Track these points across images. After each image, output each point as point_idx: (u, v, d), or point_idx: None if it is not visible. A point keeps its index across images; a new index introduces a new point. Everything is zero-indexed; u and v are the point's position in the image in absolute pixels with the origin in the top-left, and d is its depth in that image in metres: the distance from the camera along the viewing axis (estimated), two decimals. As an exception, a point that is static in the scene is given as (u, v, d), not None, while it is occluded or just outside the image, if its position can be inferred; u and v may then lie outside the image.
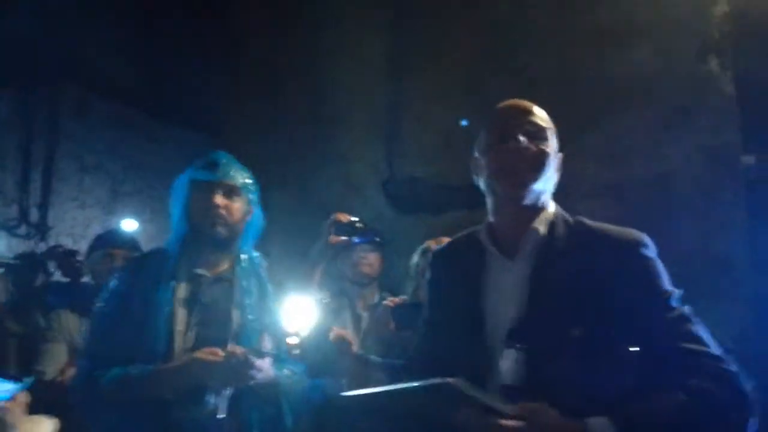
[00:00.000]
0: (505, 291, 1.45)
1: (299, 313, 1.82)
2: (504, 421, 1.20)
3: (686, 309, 1.37)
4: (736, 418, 1.27)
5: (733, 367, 1.32)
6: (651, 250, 1.42)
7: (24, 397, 1.22)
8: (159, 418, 1.72)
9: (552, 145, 1.50)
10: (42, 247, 5.13)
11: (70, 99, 5.56)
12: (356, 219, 2.44)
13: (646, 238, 1.43)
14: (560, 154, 1.54)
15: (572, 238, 1.45)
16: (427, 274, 1.68)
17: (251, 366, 1.71)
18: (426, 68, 4.10)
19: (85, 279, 3.69)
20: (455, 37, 4.02)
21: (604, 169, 3.59)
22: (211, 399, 1.72)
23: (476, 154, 1.56)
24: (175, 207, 1.93)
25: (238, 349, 1.73)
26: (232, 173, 1.91)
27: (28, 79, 4.99)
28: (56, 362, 2.90)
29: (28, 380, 1.31)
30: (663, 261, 1.43)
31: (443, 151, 3.90)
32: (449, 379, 1.16)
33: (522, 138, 1.44)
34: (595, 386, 1.28)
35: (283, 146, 4.45)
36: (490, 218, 1.55)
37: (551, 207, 1.52)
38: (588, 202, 3.48)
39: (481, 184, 1.55)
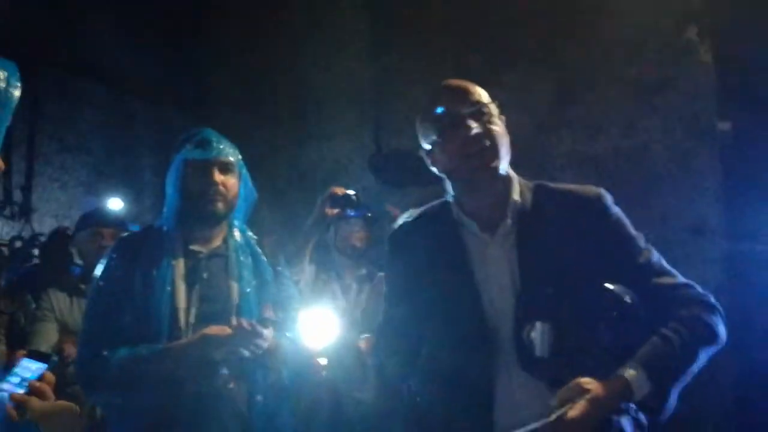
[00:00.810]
0: (495, 266, 1.46)
1: (318, 328, 1.86)
2: (567, 416, 1.23)
3: (651, 247, 1.46)
4: (723, 331, 1.40)
5: (701, 289, 1.44)
6: (611, 201, 1.49)
7: (51, 377, 1.22)
8: (172, 394, 1.76)
9: (497, 120, 1.48)
10: (27, 228, 5.11)
11: (51, 80, 5.49)
12: (352, 192, 2.49)
13: (604, 191, 1.50)
14: (503, 118, 1.52)
15: (542, 202, 1.48)
16: (388, 255, 1.64)
17: (259, 335, 1.77)
18: (408, 43, 4.12)
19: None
20: (436, 13, 4.04)
21: (583, 141, 3.66)
22: (224, 371, 1.78)
23: (427, 145, 1.53)
24: (169, 186, 1.94)
25: (244, 322, 1.78)
26: (225, 150, 1.93)
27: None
28: (47, 342, 2.92)
29: (55, 359, 1.31)
30: (641, 226, 1.50)
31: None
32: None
33: (472, 123, 1.43)
34: (607, 339, 1.35)
35: (268, 126, 4.46)
36: (459, 197, 1.53)
37: (514, 176, 1.53)
38: (566, 173, 3.56)
39: (439, 170, 1.53)
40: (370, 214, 3.08)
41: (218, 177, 1.90)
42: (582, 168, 3.56)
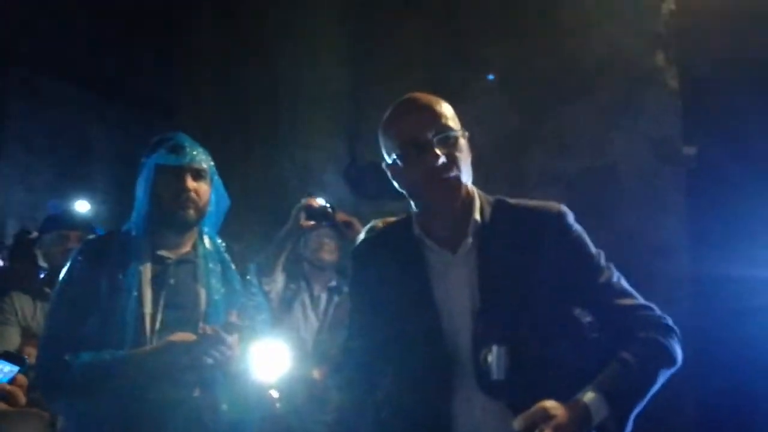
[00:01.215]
0: (455, 285, 1.44)
1: (269, 360, 1.87)
2: None
3: (611, 266, 1.46)
4: (680, 353, 1.41)
5: (659, 311, 1.44)
6: (572, 218, 1.48)
7: (23, 380, 1.17)
8: (135, 402, 1.73)
9: (462, 145, 1.46)
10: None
11: (18, 80, 5.40)
12: (327, 204, 2.48)
13: (565, 208, 1.49)
14: (467, 134, 1.49)
15: (502, 219, 1.47)
16: (352, 271, 1.62)
17: (224, 342, 1.75)
18: (385, 53, 4.14)
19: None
20: (412, 23, 4.08)
21: (555, 159, 3.72)
22: (189, 378, 1.76)
23: (389, 160, 1.50)
24: (140, 190, 1.92)
25: (208, 328, 1.76)
26: (198, 157, 1.91)
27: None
28: (9, 344, 2.84)
29: (26, 361, 1.25)
30: (607, 245, 1.52)
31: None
32: None
33: (438, 151, 1.40)
34: (565, 360, 1.36)
35: (240, 132, 4.42)
36: (420, 215, 1.52)
37: (475, 192, 1.51)
38: (540, 191, 3.61)
39: (400, 186, 1.52)
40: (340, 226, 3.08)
41: (191, 183, 1.89)
42: (553, 186, 3.61)
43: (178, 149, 1.89)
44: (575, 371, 1.35)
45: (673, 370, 1.41)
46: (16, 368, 1.16)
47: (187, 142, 1.93)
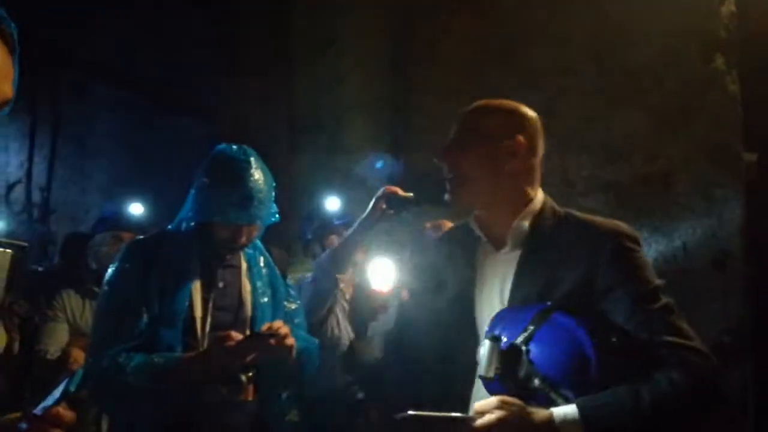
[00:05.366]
0: (492, 281, 1.49)
1: (383, 272, 2.05)
2: (472, 422, 1.24)
3: (668, 300, 1.36)
4: (704, 400, 1.31)
5: (701, 354, 1.31)
6: (633, 242, 1.41)
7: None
8: (190, 404, 1.75)
9: (473, 150, 1.49)
10: (45, 230, 5.15)
11: (70, 84, 5.57)
12: (411, 194, 2.31)
13: (628, 230, 1.43)
14: (510, 143, 1.48)
15: (558, 231, 1.45)
16: (418, 258, 1.68)
17: (274, 337, 1.75)
18: (427, 60, 4.11)
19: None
20: (458, 32, 4.03)
21: (604, 166, 3.61)
22: (242, 379, 1.76)
23: None
24: (194, 210, 1.88)
25: (264, 327, 1.80)
26: (262, 214, 1.85)
27: (29, 64, 5.00)
28: (58, 341, 2.92)
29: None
30: (662, 258, 1.44)
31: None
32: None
33: (441, 155, 1.52)
34: (567, 375, 1.27)
35: (285, 138, 4.46)
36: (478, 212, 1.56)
37: (538, 200, 1.51)
38: (587, 199, 3.52)
39: None
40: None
41: (245, 234, 1.87)
42: (602, 194, 3.51)
43: (245, 204, 1.81)
44: (575, 386, 1.27)
45: (689, 415, 1.29)
46: (58, 396, 1.07)
47: (256, 194, 1.83)
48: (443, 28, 4.09)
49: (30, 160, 5.59)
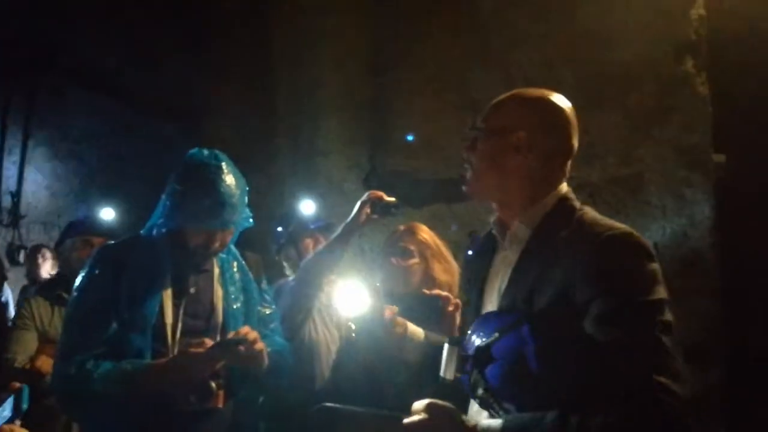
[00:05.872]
0: (494, 282, 1.46)
1: (351, 298, 1.91)
2: (404, 422, 1.24)
3: (640, 320, 1.21)
4: None
5: (671, 398, 1.15)
6: (628, 248, 1.28)
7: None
8: (160, 412, 1.71)
9: (484, 145, 1.45)
10: (15, 235, 5.06)
11: (46, 87, 5.48)
12: (394, 199, 2.29)
13: (626, 236, 1.29)
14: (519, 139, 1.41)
15: (560, 233, 1.35)
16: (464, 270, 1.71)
17: (243, 342, 1.73)
18: (407, 62, 4.11)
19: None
20: (437, 34, 4.04)
21: (579, 168, 3.64)
22: (212, 385, 1.74)
23: None
24: (166, 216, 1.84)
25: (230, 334, 1.78)
26: (235, 218, 1.84)
27: (4, 66, 4.91)
28: (26, 349, 2.84)
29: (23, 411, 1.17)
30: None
31: (425, 146, 3.93)
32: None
33: (463, 151, 1.50)
34: (509, 389, 1.21)
35: (262, 142, 4.43)
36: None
37: (550, 200, 1.42)
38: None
39: None
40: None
41: (219, 239, 1.85)
42: (576, 194, 3.54)
43: (216, 211, 1.79)
44: (516, 400, 1.22)
45: None
46: (9, 414, 1.11)
47: (228, 200, 1.81)
48: (423, 30, 4.10)
49: (0, 164, 5.48)
